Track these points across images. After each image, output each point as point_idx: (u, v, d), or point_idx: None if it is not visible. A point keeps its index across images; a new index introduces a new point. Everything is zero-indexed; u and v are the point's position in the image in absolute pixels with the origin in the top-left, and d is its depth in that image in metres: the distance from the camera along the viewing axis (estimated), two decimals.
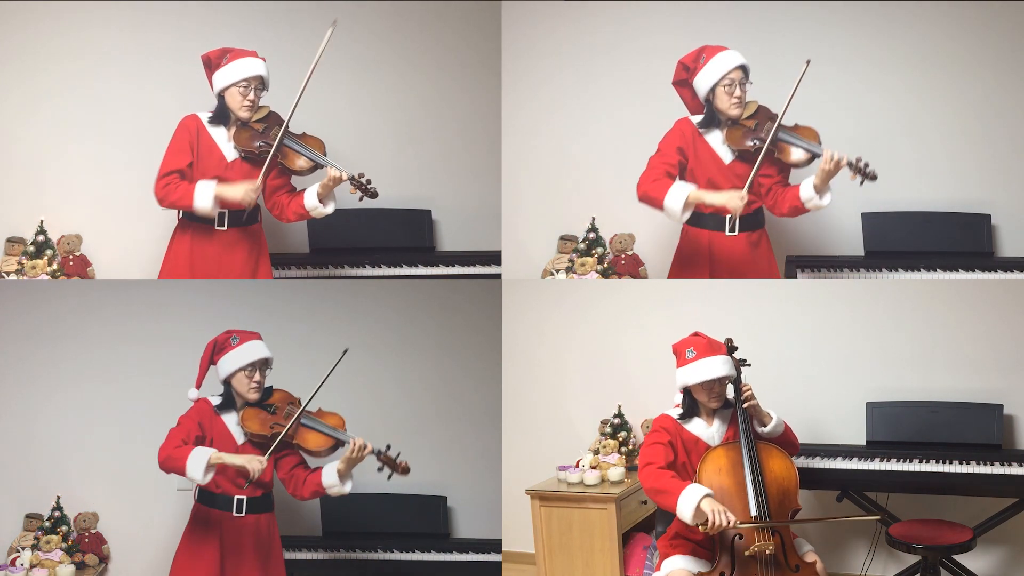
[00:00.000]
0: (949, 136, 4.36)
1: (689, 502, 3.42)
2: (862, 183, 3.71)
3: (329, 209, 4.00)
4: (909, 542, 4.05)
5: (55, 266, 4.45)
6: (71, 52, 4.54)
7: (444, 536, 4.57)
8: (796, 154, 3.85)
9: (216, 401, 3.88)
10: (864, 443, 4.48)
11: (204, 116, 3.99)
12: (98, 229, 4.57)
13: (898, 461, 4.28)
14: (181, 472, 3.70)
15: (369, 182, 3.90)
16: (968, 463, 4.20)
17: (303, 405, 3.82)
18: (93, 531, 4.52)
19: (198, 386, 3.87)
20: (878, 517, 3.82)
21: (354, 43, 4.75)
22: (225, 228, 4.00)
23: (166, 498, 4.52)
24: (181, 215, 4.03)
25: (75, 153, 4.54)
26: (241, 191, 3.90)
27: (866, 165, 3.70)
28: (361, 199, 3.92)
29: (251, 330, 3.93)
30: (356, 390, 4.67)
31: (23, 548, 4.40)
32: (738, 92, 3.87)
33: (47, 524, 4.45)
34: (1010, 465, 4.16)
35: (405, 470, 3.79)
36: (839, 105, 4.07)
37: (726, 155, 3.95)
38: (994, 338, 4.51)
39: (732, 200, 3.83)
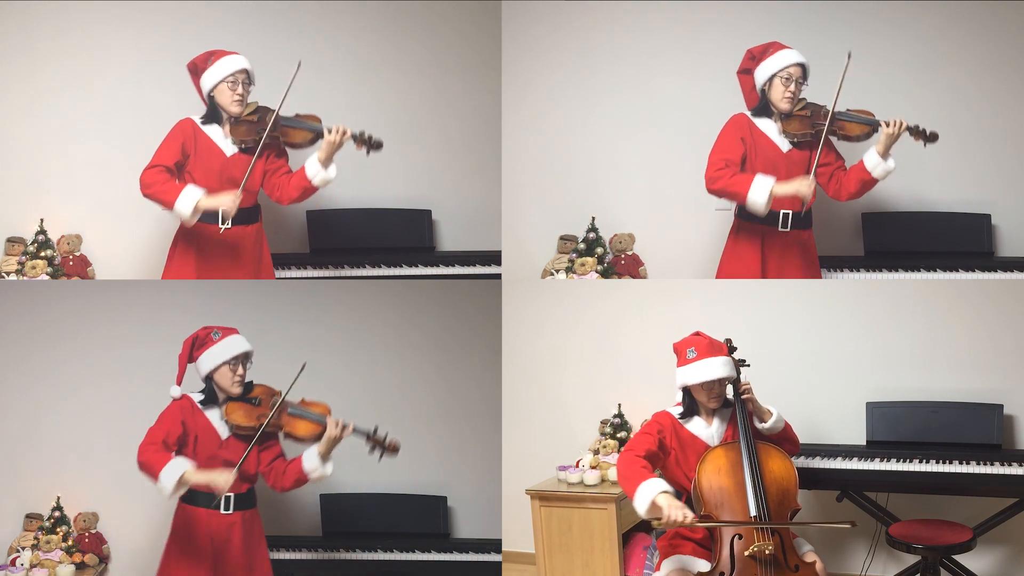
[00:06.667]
0: (949, 136, 4.35)
1: (645, 496, 3.40)
2: (925, 145, 3.93)
3: (332, 173, 4.03)
4: (909, 542, 4.05)
5: (55, 266, 4.46)
6: (71, 52, 4.54)
7: (444, 536, 4.57)
8: (858, 128, 4.01)
9: (198, 397, 3.88)
10: (864, 443, 4.48)
11: (197, 118, 4.05)
12: (98, 229, 4.57)
13: (898, 461, 4.27)
14: (153, 479, 3.70)
15: (371, 137, 4.00)
16: (968, 463, 4.20)
17: (285, 392, 3.82)
18: (93, 531, 4.52)
19: (179, 383, 3.88)
20: (848, 525, 3.57)
21: (354, 42, 4.76)
22: (229, 226, 4.02)
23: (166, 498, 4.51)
24: None
25: (75, 153, 4.54)
26: (227, 200, 3.93)
27: (924, 129, 3.91)
28: (368, 153, 4.00)
29: (231, 327, 3.92)
30: (356, 390, 4.67)
31: (23, 548, 4.40)
32: (792, 88, 4.03)
33: (47, 524, 4.45)
34: (1010, 465, 4.16)
35: (395, 449, 3.79)
36: (838, 106, 4.07)
37: (783, 144, 4.08)
38: (994, 338, 4.51)
39: (802, 187, 3.94)
